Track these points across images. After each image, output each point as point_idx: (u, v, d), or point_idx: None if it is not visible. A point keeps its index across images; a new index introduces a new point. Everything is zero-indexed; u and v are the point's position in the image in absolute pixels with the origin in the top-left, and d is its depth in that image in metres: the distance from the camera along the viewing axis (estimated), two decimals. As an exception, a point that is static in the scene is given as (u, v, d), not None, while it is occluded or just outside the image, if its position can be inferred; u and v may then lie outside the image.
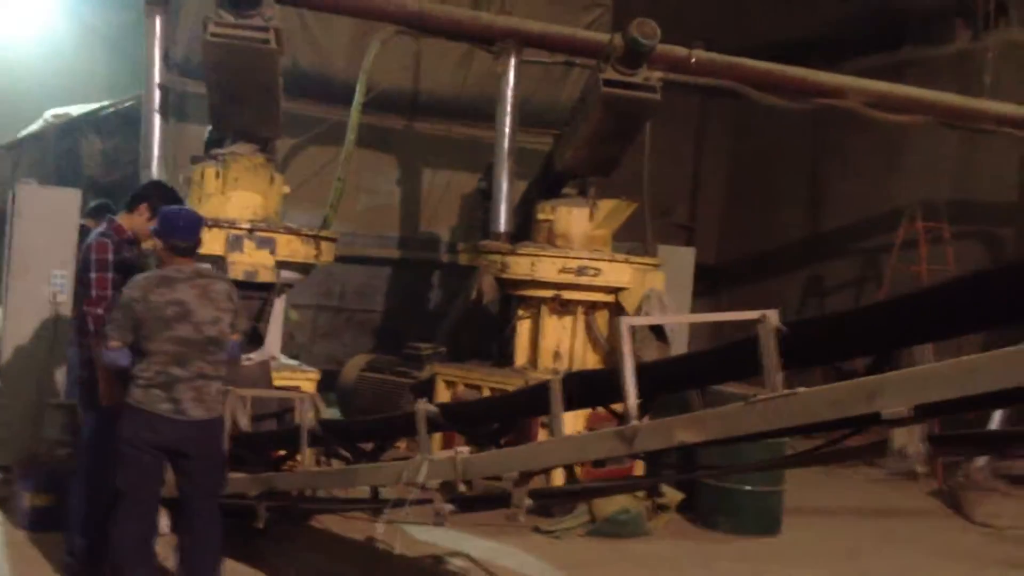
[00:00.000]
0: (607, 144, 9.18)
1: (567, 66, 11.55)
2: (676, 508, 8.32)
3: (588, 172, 9.48)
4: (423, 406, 5.17)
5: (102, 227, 6.03)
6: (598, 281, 8.83)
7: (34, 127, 11.91)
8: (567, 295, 8.96)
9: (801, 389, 3.55)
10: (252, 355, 7.55)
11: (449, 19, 9.78)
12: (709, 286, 15.27)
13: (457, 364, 9.59)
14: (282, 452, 6.53)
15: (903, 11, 14.16)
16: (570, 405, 4.49)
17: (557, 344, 9.11)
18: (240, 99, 7.94)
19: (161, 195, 6.12)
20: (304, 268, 8.29)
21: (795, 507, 8.71)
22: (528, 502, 4.62)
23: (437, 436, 6.34)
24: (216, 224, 7.47)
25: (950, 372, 3.17)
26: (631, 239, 10.58)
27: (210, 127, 8.41)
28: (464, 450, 4.89)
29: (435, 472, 4.93)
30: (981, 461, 9.70)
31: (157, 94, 8.84)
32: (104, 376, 5.65)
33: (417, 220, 12.78)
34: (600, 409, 4.94)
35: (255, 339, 7.66)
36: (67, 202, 8.08)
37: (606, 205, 9.28)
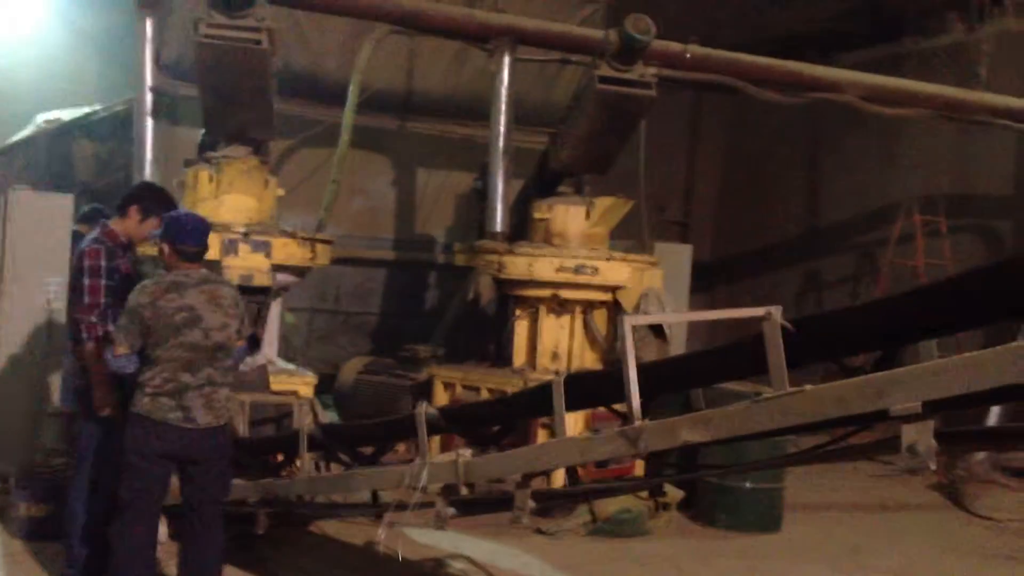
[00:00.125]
0: (603, 141, 9.14)
1: (561, 64, 11.50)
2: (676, 506, 8.29)
3: (584, 170, 9.44)
4: (423, 409, 5.11)
5: (94, 233, 5.95)
6: (596, 280, 8.79)
7: (25, 132, 11.82)
8: (565, 294, 8.91)
9: (808, 386, 3.50)
10: (247, 359, 7.50)
11: (444, 17, 9.71)
12: (704, 283, 15.24)
13: (455, 365, 9.54)
14: (281, 457, 6.48)
15: (898, 4, 14.13)
16: (572, 406, 4.44)
17: (555, 344, 9.06)
18: (233, 101, 7.88)
19: (152, 197, 6.06)
20: (300, 271, 8.24)
21: (795, 503, 8.69)
22: (531, 504, 4.57)
23: (436, 438, 6.29)
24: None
25: (960, 368, 3.12)
26: (627, 237, 10.54)
27: (203, 130, 8.36)
28: (466, 453, 4.84)
29: (437, 475, 4.88)
30: (981, 454, 9.69)
31: (149, 97, 8.78)
32: (99, 384, 5.60)
33: (412, 221, 12.72)
34: (600, 408, 4.91)
35: (253, 344, 7.60)
36: (60, 208, 8.01)
37: (602, 203, 9.23)
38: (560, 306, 9.03)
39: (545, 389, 4.47)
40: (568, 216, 9.19)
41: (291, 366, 8.43)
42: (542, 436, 7.86)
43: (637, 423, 4.00)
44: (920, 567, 7.60)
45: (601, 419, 7.23)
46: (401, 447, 8.10)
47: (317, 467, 6.34)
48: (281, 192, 8.40)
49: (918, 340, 3.86)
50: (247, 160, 8.06)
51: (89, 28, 12.24)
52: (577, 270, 8.74)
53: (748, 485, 8.17)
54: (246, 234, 7.67)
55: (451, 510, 4.92)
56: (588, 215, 9.19)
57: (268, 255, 7.73)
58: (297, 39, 11.25)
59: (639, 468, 7.78)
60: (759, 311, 3.64)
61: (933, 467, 3.20)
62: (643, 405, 4.03)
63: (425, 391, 9.19)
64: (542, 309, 9.03)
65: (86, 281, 5.70)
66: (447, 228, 12.71)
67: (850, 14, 14.21)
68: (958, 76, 12.34)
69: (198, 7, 7.67)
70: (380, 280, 12.58)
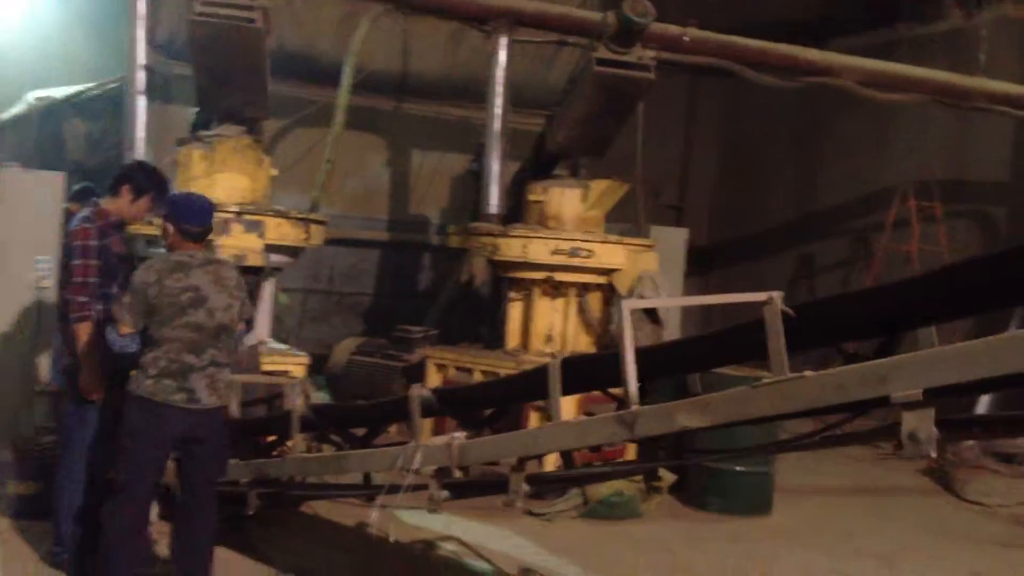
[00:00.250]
0: (600, 124, 9.11)
1: (558, 46, 11.42)
2: (668, 489, 8.28)
3: (581, 153, 9.41)
4: (417, 391, 5.07)
5: (85, 212, 5.88)
6: (591, 263, 8.76)
7: (16, 110, 11.73)
8: (559, 277, 8.89)
9: (808, 372, 3.47)
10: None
11: (443, -3, 9.64)
12: (699, 267, 15.20)
13: (448, 347, 9.52)
14: (272, 438, 6.43)
15: (893, -10, 14.10)
16: (568, 389, 4.41)
17: (549, 327, 9.04)
18: (227, 80, 7.83)
19: (144, 176, 5.97)
20: (293, 251, 8.20)
21: (786, 486, 8.69)
22: (526, 488, 4.53)
23: (428, 419, 6.25)
24: (203, 207, 7.35)
25: (962, 355, 3.10)
26: (622, 220, 10.51)
27: (196, 108, 8.29)
28: (460, 435, 4.80)
29: (430, 458, 4.83)
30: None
31: (142, 75, 8.70)
32: (87, 364, 5.55)
33: (406, 202, 12.68)
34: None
35: (249, 325, 7.56)
36: (51, 186, 7.94)
37: (598, 186, 9.20)
38: (554, 289, 9.00)
39: (541, 372, 4.43)
40: (564, 199, 9.16)
41: (283, 346, 8.39)
42: (534, 419, 7.84)
43: (634, 408, 3.96)
44: (911, 552, 7.59)
45: (594, 402, 7.22)
46: (393, 428, 8.08)
47: (309, 448, 6.30)
48: (275, 172, 8.35)
49: (919, 327, 3.83)
50: (240, 139, 8.01)
51: (82, 6, 12.13)
52: (572, 253, 8.72)
53: (739, 468, 8.15)
54: (239, 213, 7.62)
55: (444, 493, 4.88)
56: (584, 198, 9.16)
57: (261, 235, 7.69)
58: (291, 19, 11.17)
59: (631, 450, 7.76)
60: (760, 296, 3.60)
61: (934, 455, 3.17)
62: (640, 390, 4.00)
63: (418, 372, 9.17)
64: (536, 292, 9.01)
65: (76, 261, 5.63)
66: (441, 209, 12.67)
67: (844, -1, 14.19)
68: (955, 62, 12.29)
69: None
70: (374, 261, 12.55)
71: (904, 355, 3.27)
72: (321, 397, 9.01)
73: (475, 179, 9.91)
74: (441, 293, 11.42)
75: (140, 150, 8.57)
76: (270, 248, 7.76)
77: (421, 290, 12.62)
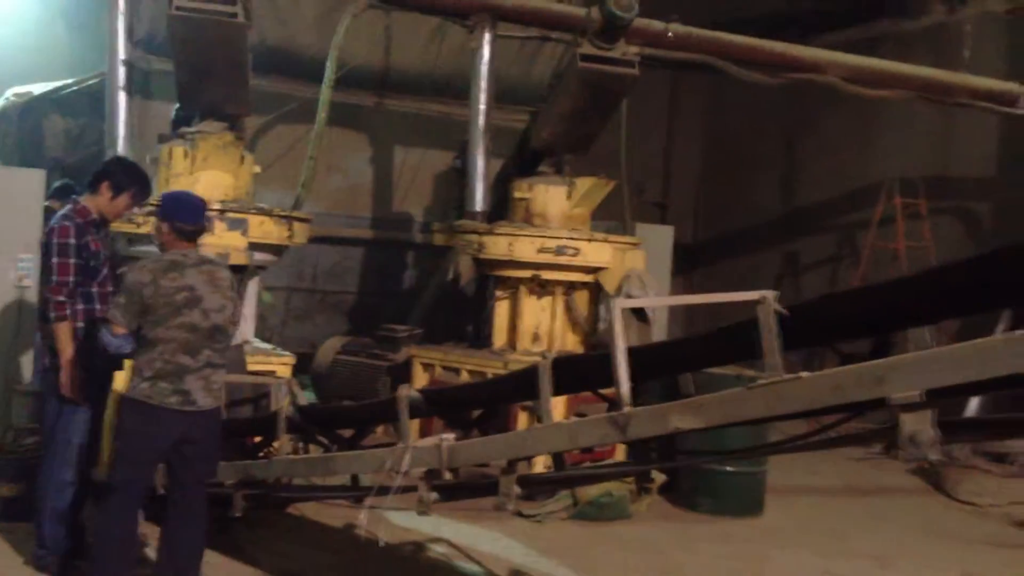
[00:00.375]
0: (584, 120, 9.06)
1: (541, 41, 11.35)
2: (658, 490, 8.23)
3: (565, 149, 9.35)
4: (405, 391, 5.01)
5: (65, 210, 5.79)
6: (577, 261, 8.70)
7: (-6, 106, 11.63)
8: (546, 275, 8.83)
9: (804, 373, 3.42)
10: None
11: (423, -8, 9.56)
12: (684, 264, 15.18)
13: (434, 346, 9.44)
14: (258, 439, 6.36)
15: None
16: (559, 390, 4.35)
17: (536, 325, 8.98)
18: (208, 75, 7.74)
19: (123, 172, 5.88)
20: (277, 249, 8.11)
21: (777, 487, 8.66)
22: (517, 490, 4.47)
23: (415, 420, 6.19)
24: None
25: (961, 356, 3.06)
26: (607, 218, 10.45)
27: (177, 105, 8.19)
28: (449, 437, 4.73)
29: (419, 460, 4.77)
30: (961, 438, 9.69)
31: (122, 71, 8.60)
32: (66, 364, 5.47)
33: (390, 200, 12.59)
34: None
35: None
36: (31, 183, 7.84)
37: (584, 183, 9.15)
38: (541, 287, 8.95)
39: (531, 373, 4.37)
40: (549, 196, 9.10)
41: (268, 346, 8.31)
42: (523, 419, 7.78)
43: (626, 409, 3.91)
44: (902, 552, 7.56)
45: (583, 402, 7.17)
46: (379, 429, 8.00)
47: (295, 449, 6.22)
48: (257, 169, 8.26)
49: (914, 326, 3.79)
50: (222, 136, 7.92)
51: (61, 0, 12.00)
52: (558, 251, 8.65)
53: (730, 469, 8.10)
54: (222, 211, 7.53)
55: (434, 495, 4.82)
56: (569, 195, 9.11)
57: (245, 233, 7.60)
58: (272, 13, 11.06)
59: (620, 450, 7.71)
60: (753, 295, 3.55)
61: (934, 457, 3.12)
62: (632, 390, 3.94)
63: (403, 372, 9.10)
64: (523, 290, 8.95)
65: (54, 259, 5.55)
66: (425, 207, 12.58)
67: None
68: (938, 57, 12.28)
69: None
70: (357, 259, 12.46)
71: (902, 356, 3.23)
72: (306, 397, 8.92)
73: (459, 176, 9.84)
74: (425, 291, 11.35)
75: (121, 147, 8.47)
76: (253, 246, 7.68)
77: (405, 288, 12.53)
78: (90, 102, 10.43)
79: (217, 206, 7.51)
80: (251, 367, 7.34)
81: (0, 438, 7.05)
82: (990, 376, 3.03)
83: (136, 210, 6.76)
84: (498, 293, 9.12)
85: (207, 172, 7.79)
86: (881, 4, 14.15)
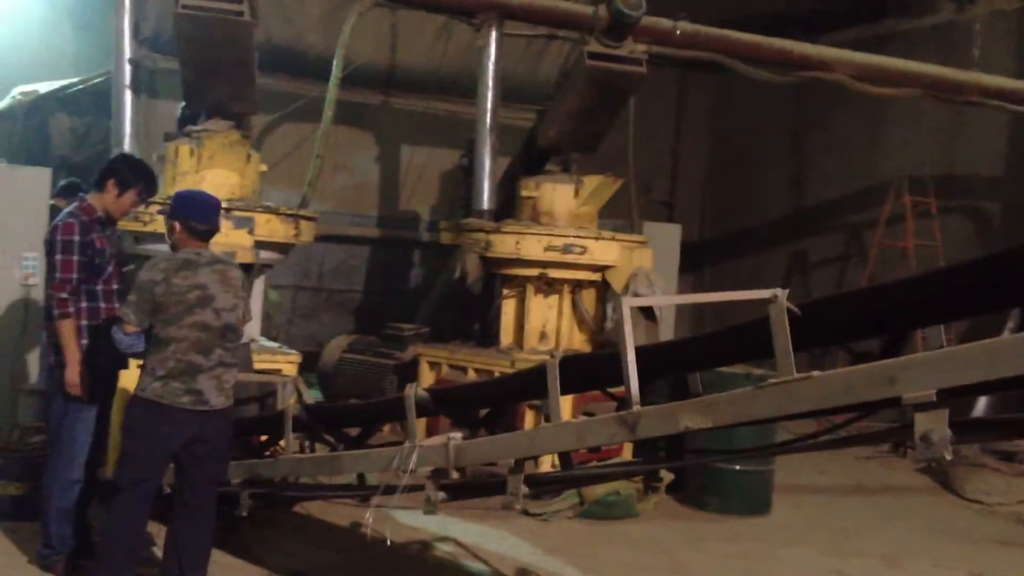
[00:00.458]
0: (592, 119, 9.02)
1: (548, 39, 11.33)
2: (665, 488, 8.19)
3: (572, 148, 9.32)
4: (412, 390, 4.98)
5: (70, 207, 5.77)
6: (584, 259, 8.67)
7: (0, 105, 11.61)
8: (553, 274, 8.80)
9: (816, 372, 3.38)
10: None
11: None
12: (691, 263, 15.14)
13: (441, 345, 9.42)
14: (264, 438, 6.34)
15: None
16: (567, 389, 4.32)
17: (543, 324, 8.95)
18: (214, 74, 7.72)
19: (129, 169, 5.85)
20: (283, 248, 8.09)
21: (784, 485, 8.63)
22: (525, 490, 4.44)
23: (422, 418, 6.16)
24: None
25: (977, 355, 3.02)
26: (615, 216, 10.43)
27: (183, 103, 8.17)
28: (457, 436, 4.70)
29: (427, 459, 4.74)
30: (969, 437, 9.64)
31: (128, 69, 8.59)
32: (71, 362, 5.44)
33: (396, 198, 12.58)
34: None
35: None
36: (37, 181, 7.85)
37: (591, 182, 9.12)
38: (548, 286, 8.92)
39: (539, 372, 4.34)
40: (556, 194, 9.07)
41: (274, 344, 8.29)
42: (530, 418, 7.76)
43: (636, 408, 3.87)
44: (911, 551, 7.53)
45: (590, 400, 7.14)
46: (386, 428, 7.99)
47: (301, 448, 6.20)
48: (264, 167, 8.24)
49: (927, 325, 3.76)
50: (229, 134, 7.90)
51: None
52: (565, 249, 8.62)
53: (737, 467, 8.07)
54: (228, 210, 7.49)
55: (441, 495, 4.79)
56: (576, 193, 9.08)
57: (251, 231, 7.57)
58: (278, 12, 11.06)
59: (627, 449, 7.68)
60: (764, 293, 3.52)
61: (949, 457, 3.08)
62: (641, 389, 3.91)
63: (410, 371, 9.08)
64: (530, 288, 8.92)
65: (58, 257, 5.52)
66: (432, 205, 12.57)
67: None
68: (947, 55, 12.23)
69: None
70: (364, 257, 12.46)
71: (914, 355, 3.19)
72: (312, 395, 8.90)
73: (465, 174, 9.82)
74: (432, 290, 11.34)
75: (127, 145, 8.46)
76: (260, 245, 7.65)
77: (412, 287, 12.52)
78: (96, 101, 10.43)
79: (223, 204, 7.47)
80: (257, 365, 7.32)
81: (6, 437, 7.05)
82: (1004, 376, 2.99)
83: (144, 210, 6.76)
84: (505, 291, 9.10)
85: (213, 170, 7.77)
86: (884, 3, 14.10)
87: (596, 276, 8.83)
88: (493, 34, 9.29)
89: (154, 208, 7.29)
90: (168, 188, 7.70)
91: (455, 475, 4.77)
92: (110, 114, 8.65)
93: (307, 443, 6.27)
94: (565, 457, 4.88)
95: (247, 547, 6.33)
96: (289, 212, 7.96)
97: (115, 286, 5.70)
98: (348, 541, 6.75)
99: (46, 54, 11.81)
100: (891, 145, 13.93)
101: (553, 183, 9.11)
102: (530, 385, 4.61)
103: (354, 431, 5.88)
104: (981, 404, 9.00)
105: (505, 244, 8.70)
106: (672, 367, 4.35)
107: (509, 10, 9.44)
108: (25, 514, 6.31)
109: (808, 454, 9.49)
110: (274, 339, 8.97)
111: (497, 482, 4.70)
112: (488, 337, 9.33)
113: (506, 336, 9.07)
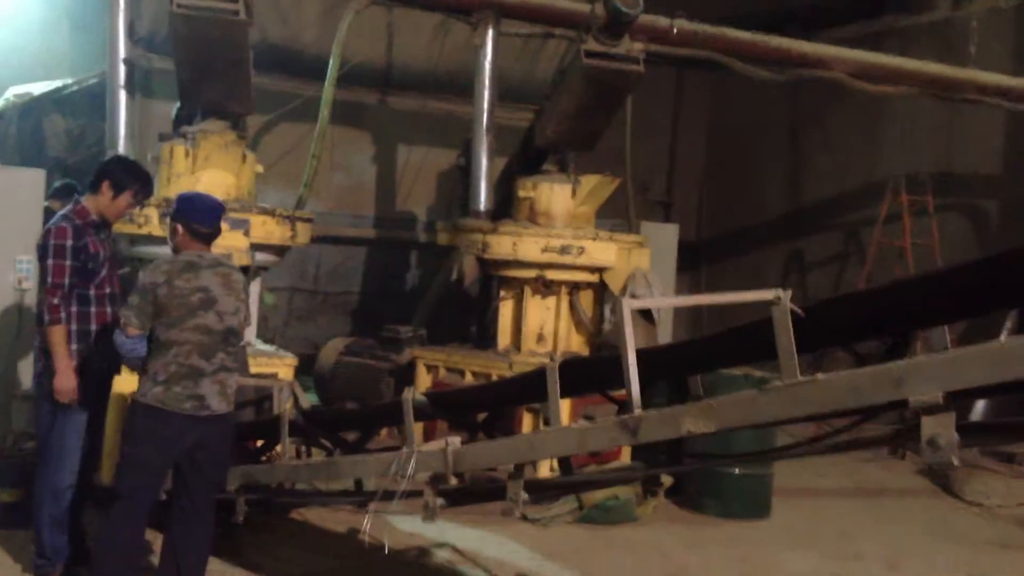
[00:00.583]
0: (589, 118, 8.96)
1: (545, 38, 11.28)
2: (664, 492, 8.14)
3: (570, 147, 9.27)
4: (410, 394, 4.92)
5: (65, 210, 5.69)
6: (582, 260, 8.61)
7: (-6, 106, 11.57)
8: (550, 275, 8.74)
9: (821, 375, 3.32)
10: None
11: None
12: (688, 262, 15.10)
13: (438, 347, 9.35)
14: (260, 443, 6.28)
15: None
16: (566, 392, 4.26)
17: (541, 326, 8.89)
18: (209, 74, 7.66)
19: (124, 170, 5.78)
20: (279, 250, 8.03)
21: (784, 488, 8.56)
22: (525, 496, 4.38)
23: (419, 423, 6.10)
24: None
25: (985, 357, 2.96)
26: (612, 216, 10.37)
27: (178, 103, 8.11)
28: (455, 440, 4.64)
29: (425, 464, 4.67)
30: (970, 439, 9.59)
31: (123, 70, 8.53)
32: (61, 368, 5.36)
33: (393, 198, 12.52)
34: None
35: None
36: (31, 183, 7.78)
37: (588, 181, 9.05)
38: (545, 287, 8.86)
39: (539, 375, 4.28)
40: (553, 194, 9.01)
41: (271, 347, 8.23)
42: (527, 422, 7.71)
43: (637, 412, 3.81)
44: (910, 554, 7.49)
45: (589, 403, 7.09)
46: (383, 432, 7.92)
47: (297, 453, 6.14)
48: (260, 168, 8.18)
49: (933, 326, 3.70)
50: (224, 135, 7.84)
51: (66, 1, 11.94)
52: (563, 250, 8.56)
53: (736, 471, 8.01)
54: (224, 211, 7.43)
55: (440, 501, 4.73)
56: (574, 193, 9.01)
57: (247, 233, 7.52)
58: (274, 11, 11.00)
59: (625, 452, 7.62)
60: (767, 294, 3.46)
61: (956, 461, 3.03)
62: (641, 392, 3.85)
63: (407, 373, 9.02)
64: (527, 290, 8.87)
65: (49, 261, 5.44)
66: (428, 206, 12.52)
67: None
68: (943, 53, 12.19)
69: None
70: (360, 259, 12.40)
71: (921, 357, 3.14)
72: (308, 399, 8.84)
73: (462, 174, 9.76)
74: (429, 292, 11.27)
75: (122, 146, 8.41)
76: (256, 247, 7.60)
77: (409, 289, 12.46)
78: (91, 102, 10.39)
79: (219, 206, 7.43)
80: (253, 369, 7.26)
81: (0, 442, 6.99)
82: (1013, 378, 2.94)
83: (139, 212, 6.69)
84: (502, 293, 9.04)
85: (208, 171, 7.72)
86: (882, 0, 14.07)
87: (594, 277, 8.77)
88: (490, 32, 9.25)
89: (150, 210, 7.23)
90: (163, 189, 7.65)
91: (454, 481, 4.71)
92: (105, 115, 8.59)
93: (304, 448, 6.22)
94: (565, 462, 4.83)
95: (243, 553, 6.27)
96: (285, 213, 7.91)
97: (107, 290, 5.62)
98: (345, 547, 6.68)
99: (46, 55, 11.76)
100: (888, 143, 13.89)
101: (550, 183, 9.04)
102: (529, 388, 4.55)
103: (351, 436, 5.82)
104: (979, 408, 8.97)
105: (502, 245, 8.65)
106: (673, 369, 4.30)
107: (506, 8, 9.41)
108: (19, 521, 6.22)
109: (807, 458, 9.47)
110: (270, 342, 8.91)
111: (497, 487, 4.63)
112: (485, 339, 9.27)
113: (503, 338, 9.01)
